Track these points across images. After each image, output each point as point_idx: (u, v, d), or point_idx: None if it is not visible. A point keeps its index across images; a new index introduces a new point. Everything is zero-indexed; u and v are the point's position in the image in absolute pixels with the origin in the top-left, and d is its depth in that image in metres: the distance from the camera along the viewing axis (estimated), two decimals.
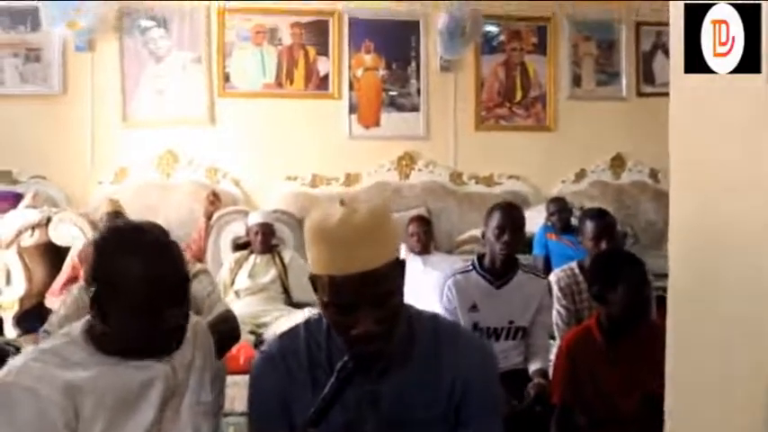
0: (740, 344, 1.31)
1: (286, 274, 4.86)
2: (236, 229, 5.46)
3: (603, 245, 3.58)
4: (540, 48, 6.76)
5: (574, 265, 3.71)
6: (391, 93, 6.56)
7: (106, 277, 1.49)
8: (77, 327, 1.56)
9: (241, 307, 4.36)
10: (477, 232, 3.24)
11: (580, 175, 6.78)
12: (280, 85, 6.43)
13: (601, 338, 2.60)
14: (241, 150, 6.35)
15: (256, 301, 4.71)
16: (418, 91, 6.55)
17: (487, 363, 1.68)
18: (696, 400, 1.47)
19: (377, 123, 6.51)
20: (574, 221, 4.96)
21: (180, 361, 1.58)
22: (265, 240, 5.00)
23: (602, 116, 6.71)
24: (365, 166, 6.50)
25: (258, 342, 4.11)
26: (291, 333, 1.66)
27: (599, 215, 3.80)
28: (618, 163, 6.85)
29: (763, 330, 1.23)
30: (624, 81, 6.86)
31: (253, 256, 4.98)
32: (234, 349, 2.81)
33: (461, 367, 1.59)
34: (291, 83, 6.43)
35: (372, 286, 1.43)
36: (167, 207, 5.85)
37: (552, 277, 3.65)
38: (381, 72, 6.53)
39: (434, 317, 1.72)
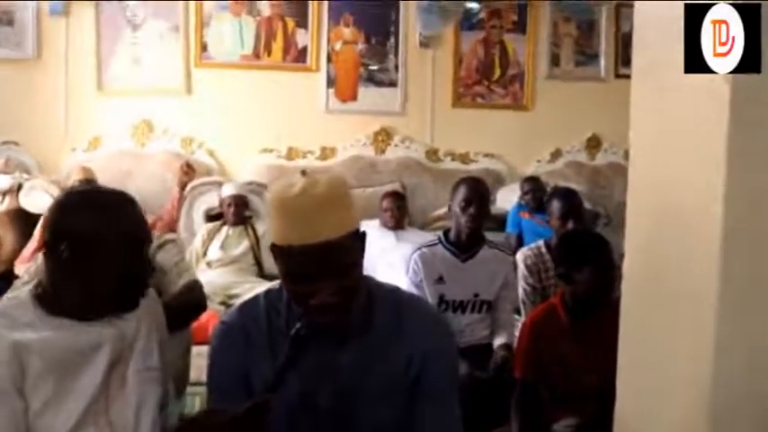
0: (685, 324, 1.35)
1: (258, 245, 4.86)
2: (210, 200, 5.45)
3: (570, 224, 3.61)
4: (520, 26, 6.69)
5: (541, 243, 3.74)
6: (370, 67, 6.50)
7: (76, 233, 1.50)
8: (25, 290, 1.57)
9: (213, 278, 4.38)
10: None
11: (555, 154, 6.76)
12: (257, 56, 6.35)
13: (565, 317, 2.62)
14: (217, 121, 6.28)
15: (228, 273, 4.72)
16: (396, 66, 6.50)
17: (447, 337, 1.71)
18: (645, 377, 1.51)
19: (354, 98, 6.46)
20: None
21: (127, 326, 1.59)
22: (238, 212, 5.00)
23: (579, 97, 6.67)
24: (341, 140, 6.45)
25: None
26: (251, 302, 1.68)
27: (566, 194, 3.83)
28: (593, 144, 6.84)
29: (707, 311, 1.27)
30: (603, 62, 6.82)
31: (225, 228, 4.98)
32: (203, 319, 2.82)
33: (421, 341, 1.61)
34: (269, 54, 6.36)
35: (331, 257, 1.44)
36: (141, 176, 5.80)
37: (519, 255, 3.67)
38: (360, 46, 6.46)
39: (396, 290, 1.73)
